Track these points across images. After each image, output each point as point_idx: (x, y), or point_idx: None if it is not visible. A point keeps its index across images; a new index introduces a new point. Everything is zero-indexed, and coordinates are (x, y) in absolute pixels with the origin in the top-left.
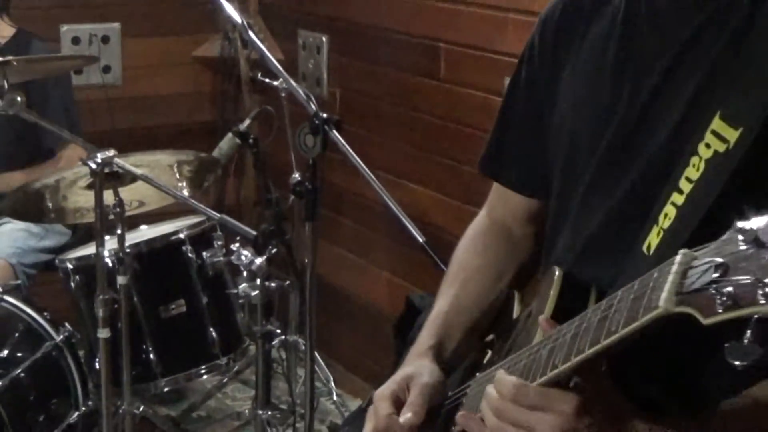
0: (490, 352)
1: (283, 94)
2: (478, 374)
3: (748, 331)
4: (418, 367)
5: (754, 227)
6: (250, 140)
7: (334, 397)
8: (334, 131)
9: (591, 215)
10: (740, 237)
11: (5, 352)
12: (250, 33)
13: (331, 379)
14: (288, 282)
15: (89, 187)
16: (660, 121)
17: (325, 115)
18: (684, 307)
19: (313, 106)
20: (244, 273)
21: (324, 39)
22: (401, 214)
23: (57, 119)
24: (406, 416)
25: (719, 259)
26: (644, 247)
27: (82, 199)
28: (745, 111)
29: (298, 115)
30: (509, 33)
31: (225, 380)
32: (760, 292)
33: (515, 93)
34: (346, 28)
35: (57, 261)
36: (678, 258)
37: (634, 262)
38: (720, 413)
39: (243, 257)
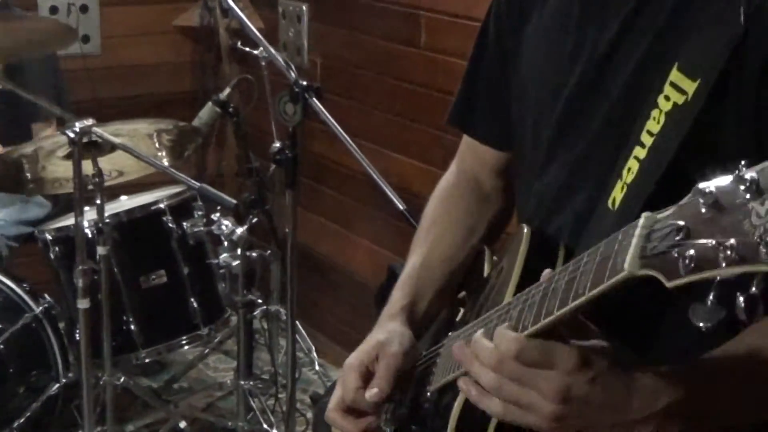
0: (462, 310)
1: (264, 63)
2: (450, 333)
3: (711, 293)
4: (389, 332)
5: (714, 190)
6: (230, 109)
7: (317, 367)
8: (315, 99)
9: (556, 171)
10: (701, 200)
11: None
12: (230, 1)
13: (313, 348)
14: (269, 251)
15: (68, 156)
16: (620, 73)
17: (305, 83)
18: (648, 270)
19: (293, 74)
20: (225, 243)
21: (304, 7)
22: (382, 182)
23: (44, 91)
24: (371, 392)
25: (681, 222)
26: (609, 203)
27: (60, 169)
28: (702, 62)
29: (278, 84)
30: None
31: (206, 351)
32: (721, 255)
33: (483, 44)
34: None
35: (36, 232)
36: (641, 221)
37: (600, 217)
38: (712, 360)
39: (224, 227)
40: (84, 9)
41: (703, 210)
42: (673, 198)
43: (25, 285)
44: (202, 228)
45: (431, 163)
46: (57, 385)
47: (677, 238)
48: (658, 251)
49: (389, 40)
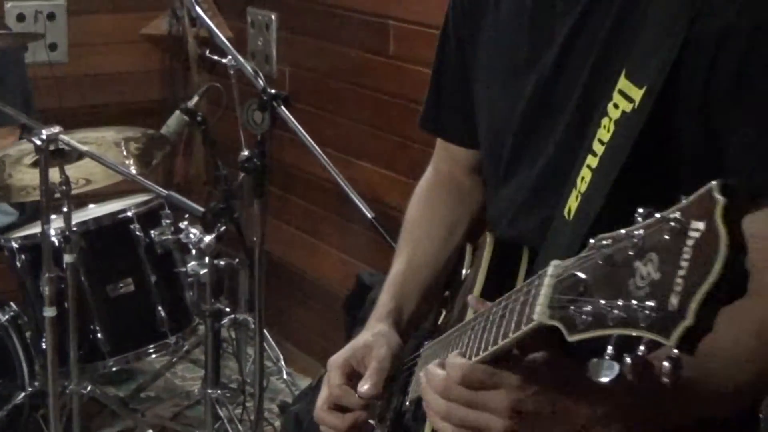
0: (444, 313)
1: (232, 72)
2: (426, 342)
3: (609, 347)
4: (376, 334)
5: (609, 243)
6: (199, 117)
7: (284, 376)
8: (283, 108)
9: (519, 179)
10: (598, 253)
11: None
12: (199, 10)
13: (281, 357)
14: (237, 260)
15: (35, 164)
16: (572, 82)
17: (273, 92)
18: (554, 321)
19: (261, 83)
20: (193, 251)
21: (273, 17)
22: (351, 191)
23: (12, 99)
24: (363, 387)
25: (582, 276)
26: (565, 212)
27: (27, 176)
28: (648, 69)
29: (247, 93)
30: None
31: (174, 360)
32: (609, 315)
33: (445, 47)
34: (295, 5)
35: (2, 240)
36: (550, 270)
37: (557, 227)
38: None
39: (192, 235)
40: (51, 17)
41: (600, 263)
42: (625, 208)
43: None
44: (169, 236)
45: (399, 171)
46: (23, 394)
47: (579, 290)
48: (562, 304)
49: (358, 49)
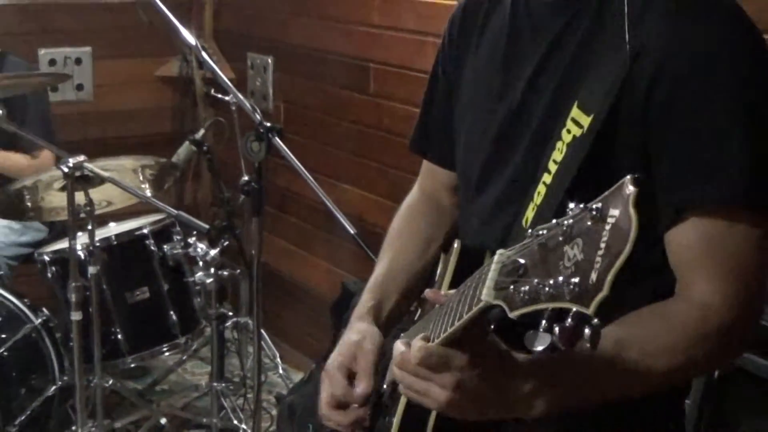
0: (420, 310)
1: (234, 108)
2: (402, 334)
3: (543, 322)
4: (360, 332)
5: (544, 233)
6: (205, 147)
7: (280, 371)
8: (277, 138)
9: (485, 195)
10: (535, 241)
11: None
12: (205, 55)
13: (277, 355)
14: (238, 271)
15: (63, 188)
16: (535, 110)
17: (268, 124)
18: (498, 300)
19: (258, 117)
20: (200, 263)
21: (270, 60)
22: (336, 210)
23: (34, 129)
24: (360, 388)
25: (522, 261)
26: (523, 221)
27: (56, 199)
28: (595, 98)
29: (246, 126)
30: (428, 53)
31: (184, 357)
32: (542, 292)
33: (434, 81)
34: (289, 50)
35: (35, 254)
36: (495, 257)
37: (516, 234)
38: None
39: (199, 249)
40: (78, 61)
41: (536, 248)
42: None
43: (25, 300)
44: (180, 250)
45: (378, 194)
46: (54, 387)
47: (519, 273)
48: (504, 285)
49: (343, 88)
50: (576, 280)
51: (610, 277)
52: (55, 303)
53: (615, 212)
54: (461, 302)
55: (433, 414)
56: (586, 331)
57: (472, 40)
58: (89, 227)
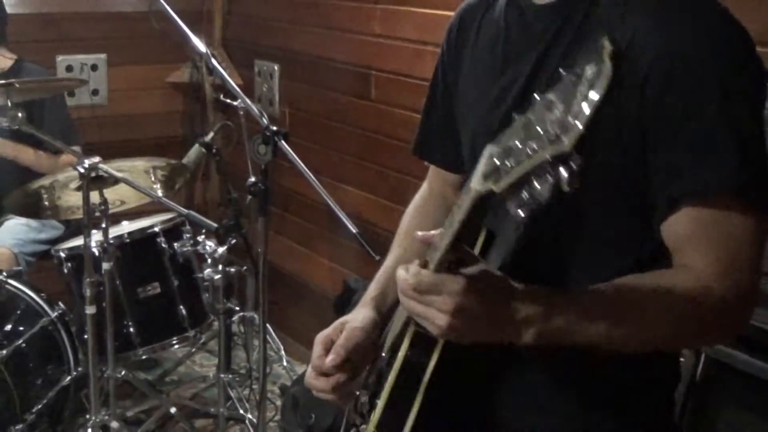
0: None
1: (241, 112)
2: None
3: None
4: (356, 314)
5: (527, 114)
6: (214, 150)
7: (284, 363)
8: (283, 142)
9: None
10: (517, 122)
11: (9, 327)
12: (214, 62)
13: (282, 348)
14: (245, 268)
15: (78, 188)
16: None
17: (275, 128)
18: (488, 184)
19: (265, 121)
20: (209, 260)
21: (276, 67)
22: (338, 210)
23: (52, 131)
24: (329, 358)
25: (510, 144)
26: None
27: (72, 198)
28: None
29: (253, 130)
30: (427, 61)
31: (193, 350)
32: (524, 153)
33: (434, 88)
34: (295, 58)
35: (52, 251)
36: (485, 151)
37: (510, 217)
38: (590, 291)
39: (207, 247)
40: (94, 68)
41: (521, 127)
42: (563, 199)
43: (42, 294)
44: (189, 248)
45: (379, 195)
46: (69, 377)
47: (506, 154)
48: (492, 169)
49: (345, 94)
50: (556, 130)
51: (587, 115)
52: (71, 297)
53: (591, 68)
54: (451, 225)
55: (428, 374)
56: (562, 171)
57: (469, 45)
58: (103, 225)
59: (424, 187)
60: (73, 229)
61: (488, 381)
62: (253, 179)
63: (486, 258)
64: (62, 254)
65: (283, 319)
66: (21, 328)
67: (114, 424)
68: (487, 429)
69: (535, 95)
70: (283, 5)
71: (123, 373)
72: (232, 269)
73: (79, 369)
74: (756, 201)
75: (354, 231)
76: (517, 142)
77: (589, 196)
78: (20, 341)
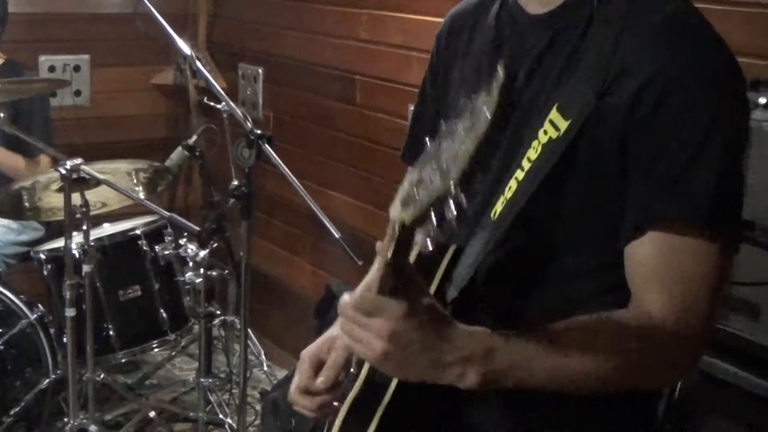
0: None
1: (225, 115)
2: None
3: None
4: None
5: (441, 145)
6: (197, 153)
7: (265, 368)
8: (267, 145)
9: (475, 199)
10: (430, 149)
11: None
12: (199, 64)
13: (262, 352)
14: (227, 271)
15: (60, 189)
16: (522, 120)
17: (259, 132)
18: (404, 211)
19: (249, 125)
20: (190, 263)
21: (260, 71)
22: (322, 215)
23: (37, 133)
24: (319, 380)
25: (421, 171)
26: (491, 214)
27: (54, 200)
28: (575, 104)
29: (237, 133)
30: (413, 67)
31: (173, 353)
32: (430, 187)
33: (424, 94)
34: (279, 62)
35: (32, 252)
36: (406, 177)
37: (483, 225)
38: (535, 331)
39: (189, 250)
40: (77, 69)
41: (432, 156)
42: (540, 211)
43: (22, 296)
44: (171, 251)
45: (362, 200)
46: (47, 380)
47: (417, 185)
48: (407, 196)
49: (330, 98)
50: (450, 164)
51: (469, 149)
52: (51, 299)
53: (482, 97)
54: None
55: (389, 395)
56: (450, 204)
57: (459, 53)
58: (84, 227)
59: None
60: (54, 230)
61: (456, 400)
62: (236, 183)
63: (453, 273)
64: (42, 256)
65: (264, 323)
66: None
67: (93, 428)
68: None
69: (442, 121)
70: (268, 9)
71: (102, 376)
72: (214, 273)
73: (58, 372)
74: (724, 236)
75: (337, 236)
76: (426, 172)
77: (566, 209)
78: None
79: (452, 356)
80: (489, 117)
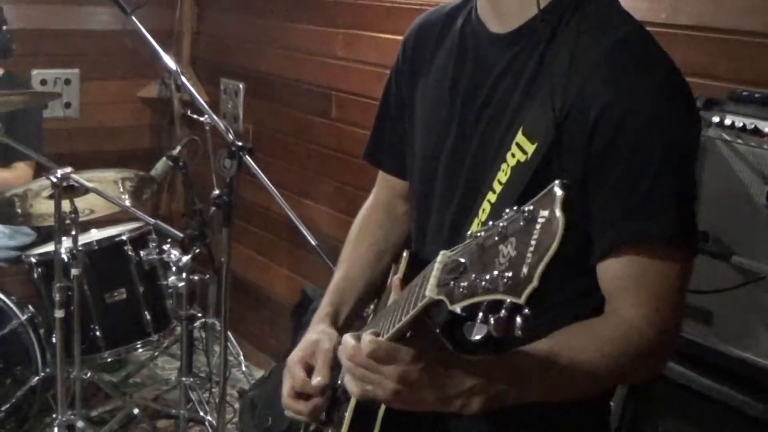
0: (372, 316)
1: (207, 128)
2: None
3: (480, 314)
4: (320, 333)
5: (482, 234)
6: (180, 163)
7: (243, 368)
8: (247, 156)
9: (439, 210)
10: (474, 242)
11: None
12: (183, 79)
13: (241, 353)
14: (208, 276)
15: (50, 197)
16: (486, 135)
17: (240, 144)
18: (441, 295)
19: (230, 137)
20: (173, 268)
21: (241, 86)
22: (299, 223)
23: (28, 143)
24: (316, 380)
25: (462, 260)
26: (468, 233)
27: (44, 206)
28: (539, 129)
29: (218, 144)
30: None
31: (156, 353)
32: (479, 286)
33: (388, 97)
34: (259, 77)
35: (23, 256)
36: (438, 258)
37: (459, 244)
38: (517, 354)
39: (172, 255)
40: (67, 82)
41: (474, 248)
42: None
43: (13, 297)
44: (155, 256)
45: (337, 209)
46: (36, 378)
47: (459, 271)
48: (446, 282)
49: (306, 112)
50: (509, 274)
51: (539, 270)
52: (40, 301)
53: (545, 213)
54: (407, 300)
55: (383, 406)
56: (518, 320)
57: (425, 61)
58: (73, 233)
59: (371, 197)
60: (44, 236)
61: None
62: (217, 192)
63: None
64: (33, 260)
65: (242, 325)
66: None
67: (79, 424)
68: None
69: (491, 222)
70: (250, 27)
71: (89, 374)
72: (196, 277)
73: (47, 370)
74: (686, 249)
75: (314, 243)
76: (471, 270)
77: None
78: None
79: (455, 390)
80: (559, 237)
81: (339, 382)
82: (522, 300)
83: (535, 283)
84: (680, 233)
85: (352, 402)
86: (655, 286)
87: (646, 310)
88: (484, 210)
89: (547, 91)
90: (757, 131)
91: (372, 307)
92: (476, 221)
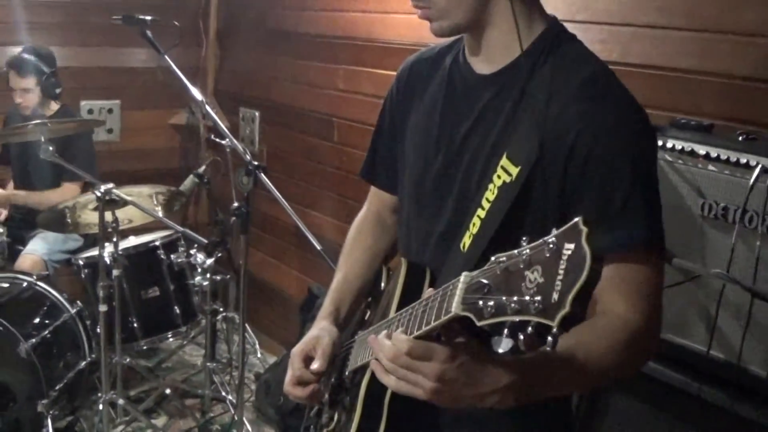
0: (369, 312)
1: (228, 150)
2: (360, 331)
3: (505, 329)
4: (321, 329)
5: (505, 259)
6: (205, 180)
7: (258, 355)
8: (262, 174)
9: (425, 220)
10: (497, 266)
11: (37, 320)
12: (207, 108)
13: (257, 342)
14: (228, 276)
15: (95, 209)
16: (469, 158)
17: (256, 163)
18: (467, 312)
19: (248, 157)
20: (199, 269)
21: (257, 114)
22: (306, 230)
23: (82, 162)
24: (314, 366)
25: (485, 281)
26: (461, 246)
27: (90, 217)
28: (522, 153)
29: (238, 164)
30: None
31: (185, 342)
32: (508, 307)
33: (382, 122)
34: (272, 106)
35: (72, 259)
36: (462, 278)
37: (454, 256)
38: (545, 353)
39: (198, 258)
40: (110, 111)
41: (499, 273)
42: (503, 245)
43: (64, 294)
44: (183, 259)
45: (339, 218)
46: (84, 363)
47: (484, 291)
48: (472, 300)
49: (312, 136)
50: (539, 298)
51: (571, 297)
52: (87, 297)
53: (570, 246)
54: (426, 312)
55: (389, 393)
56: (549, 339)
57: (416, 94)
58: (114, 239)
59: (365, 207)
60: (90, 242)
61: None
62: (236, 204)
63: None
64: (81, 262)
65: (258, 318)
66: (47, 321)
67: (120, 401)
68: None
69: (515, 251)
70: (264, 64)
71: (128, 360)
72: (218, 277)
73: (93, 356)
74: (659, 250)
75: (319, 248)
76: (496, 292)
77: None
78: (46, 332)
79: (490, 387)
80: (587, 268)
81: (346, 372)
82: (555, 323)
83: (567, 308)
84: (654, 238)
85: (362, 393)
86: (641, 287)
87: (636, 305)
88: (474, 224)
89: (528, 120)
90: (693, 153)
91: (363, 305)
92: (468, 234)
